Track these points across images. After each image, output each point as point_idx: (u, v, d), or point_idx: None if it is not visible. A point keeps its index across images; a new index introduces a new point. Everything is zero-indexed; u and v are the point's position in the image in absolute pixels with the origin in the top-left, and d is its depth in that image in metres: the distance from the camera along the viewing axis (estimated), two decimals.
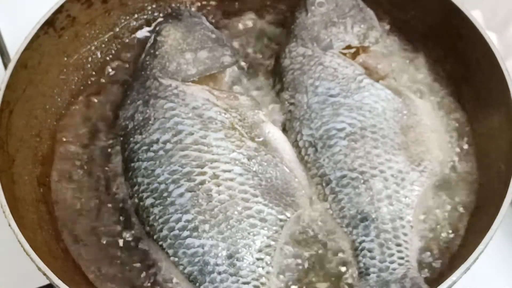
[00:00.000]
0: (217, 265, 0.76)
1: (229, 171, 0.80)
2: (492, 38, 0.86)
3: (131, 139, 0.84)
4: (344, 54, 0.90)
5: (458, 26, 0.89)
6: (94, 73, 0.96)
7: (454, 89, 0.92)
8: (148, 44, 0.92)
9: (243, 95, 0.89)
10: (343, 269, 0.80)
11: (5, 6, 1.12)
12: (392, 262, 0.78)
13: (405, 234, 0.80)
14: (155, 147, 0.82)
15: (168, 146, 0.81)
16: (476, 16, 0.92)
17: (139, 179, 0.82)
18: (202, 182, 0.79)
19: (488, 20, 1.02)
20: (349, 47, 0.91)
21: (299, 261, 0.80)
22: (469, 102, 0.90)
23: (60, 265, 0.78)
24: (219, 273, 0.76)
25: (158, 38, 0.91)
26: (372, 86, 0.87)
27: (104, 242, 0.83)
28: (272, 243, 0.78)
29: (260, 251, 0.77)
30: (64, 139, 0.90)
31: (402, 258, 0.78)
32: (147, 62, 0.90)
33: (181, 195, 0.79)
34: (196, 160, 0.80)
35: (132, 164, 0.83)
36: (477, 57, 0.87)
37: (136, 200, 0.82)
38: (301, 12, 0.94)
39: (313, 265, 0.80)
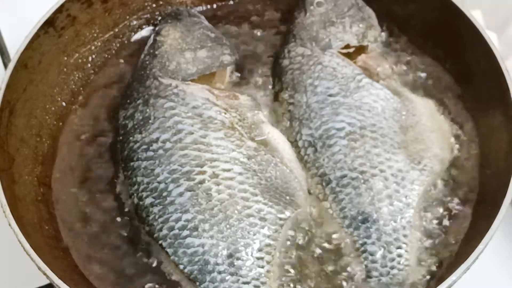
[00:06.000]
0: (217, 264, 0.76)
1: (229, 170, 0.80)
2: (492, 38, 0.86)
3: (131, 138, 0.84)
4: (344, 53, 0.90)
5: (458, 26, 0.89)
6: (94, 73, 0.96)
7: (454, 89, 0.92)
8: (148, 44, 0.92)
9: (243, 95, 0.89)
10: (343, 269, 0.80)
11: (5, 6, 1.12)
12: (392, 268, 0.78)
13: (405, 236, 0.80)
14: (154, 146, 0.82)
15: (168, 145, 0.81)
16: (476, 16, 0.92)
17: (139, 178, 0.82)
18: (201, 181, 0.79)
19: (488, 20, 1.02)
20: (348, 46, 0.91)
21: (299, 261, 0.80)
22: (469, 102, 0.90)
23: (60, 265, 0.78)
24: (219, 273, 0.76)
25: (158, 38, 0.91)
26: (371, 86, 0.87)
27: (104, 241, 0.83)
28: (272, 242, 0.78)
29: (260, 250, 0.77)
30: (64, 138, 0.90)
31: (402, 263, 0.78)
32: (147, 62, 0.90)
33: (180, 194, 0.79)
34: (196, 159, 0.80)
35: (132, 163, 0.83)
36: (477, 57, 0.87)
37: (136, 200, 0.82)
38: (300, 12, 0.94)
39: (313, 265, 0.80)
